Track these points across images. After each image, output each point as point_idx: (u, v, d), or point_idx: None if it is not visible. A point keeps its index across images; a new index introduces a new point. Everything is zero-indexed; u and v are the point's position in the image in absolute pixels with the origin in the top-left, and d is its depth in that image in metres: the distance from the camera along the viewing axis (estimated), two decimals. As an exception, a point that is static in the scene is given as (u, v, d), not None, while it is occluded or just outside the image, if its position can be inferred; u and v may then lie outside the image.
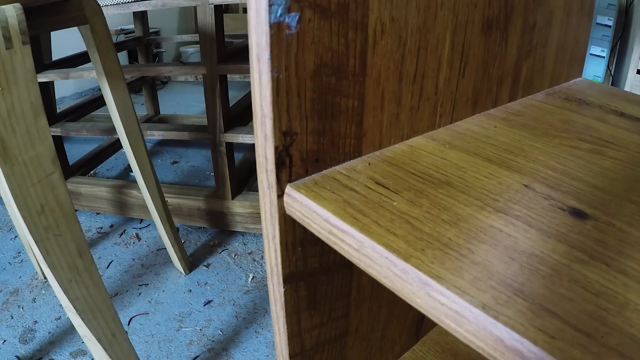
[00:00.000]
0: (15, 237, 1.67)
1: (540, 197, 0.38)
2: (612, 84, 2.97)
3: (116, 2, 1.43)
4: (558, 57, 0.89)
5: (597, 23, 2.76)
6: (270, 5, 0.31)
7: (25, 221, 0.83)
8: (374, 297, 0.55)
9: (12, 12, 0.79)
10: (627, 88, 2.70)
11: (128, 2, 1.41)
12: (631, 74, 2.66)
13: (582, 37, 1.06)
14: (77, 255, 0.94)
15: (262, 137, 0.35)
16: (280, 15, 0.31)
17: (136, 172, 1.25)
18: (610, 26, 2.73)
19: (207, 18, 1.26)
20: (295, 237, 0.40)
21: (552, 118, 0.65)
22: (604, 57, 2.78)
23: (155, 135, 1.53)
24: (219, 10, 1.27)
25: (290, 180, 0.37)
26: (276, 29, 0.31)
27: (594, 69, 2.81)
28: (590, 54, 2.82)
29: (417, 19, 0.43)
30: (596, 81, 2.57)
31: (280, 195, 0.37)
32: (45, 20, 1.01)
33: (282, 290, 0.42)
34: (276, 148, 0.35)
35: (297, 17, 0.32)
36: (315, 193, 0.36)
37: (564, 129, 0.60)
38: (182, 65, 1.40)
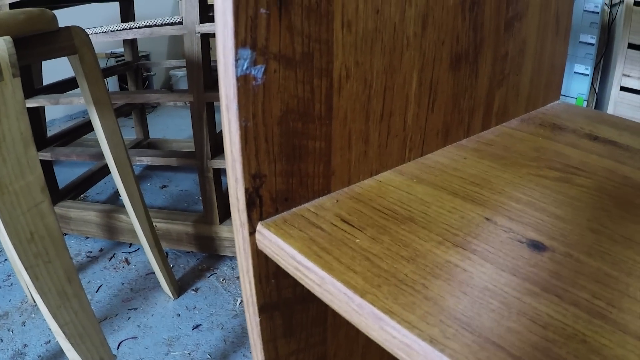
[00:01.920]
0: (5, 260, 1.68)
1: (500, 230, 0.40)
2: (596, 102, 3.01)
3: (105, 30, 1.46)
4: (533, 83, 0.91)
5: (580, 41, 2.80)
6: (236, 60, 0.33)
7: (15, 248, 0.84)
8: (350, 324, 0.57)
9: (2, 46, 0.81)
10: (611, 105, 2.73)
11: (117, 30, 1.43)
12: (615, 91, 2.70)
13: (559, 61, 1.08)
14: (66, 281, 0.95)
15: (233, 180, 0.37)
16: (247, 68, 0.34)
17: (124, 199, 1.26)
18: (593, 44, 2.77)
19: (193, 46, 1.28)
20: (269, 270, 0.42)
21: (524, 146, 0.67)
22: (587, 75, 2.82)
23: (143, 161, 1.54)
24: (206, 38, 1.30)
25: (261, 219, 0.39)
26: (243, 81, 0.34)
27: (578, 87, 2.85)
28: (574, 72, 2.85)
29: (382, 61, 0.45)
30: (580, 100, 2.61)
31: (252, 232, 0.39)
32: (35, 50, 1.03)
33: (258, 319, 0.44)
34: (246, 190, 0.37)
35: (263, 69, 0.35)
36: (283, 231, 0.38)
37: (533, 157, 0.62)
38: (169, 92, 1.42)
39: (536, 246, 0.38)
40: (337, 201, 0.43)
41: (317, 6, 0.38)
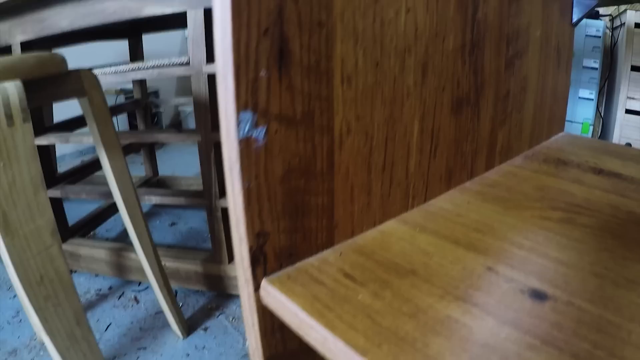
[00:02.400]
0: (14, 296, 1.68)
1: (502, 281, 0.40)
2: (602, 126, 3.01)
3: (114, 70, 1.48)
4: (536, 119, 0.92)
5: (583, 66, 2.81)
6: (238, 123, 0.34)
7: (25, 291, 0.85)
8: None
9: (13, 90, 0.82)
10: (617, 128, 2.73)
11: (126, 71, 1.46)
12: (620, 114, 2.71)
13: (561, 93, 1.09)
14: (75, 323, 0.95)
15: (237, 238, 0.38)
16: (248, 130, 0.34)
17: (133, 239, 1.27)
18: (596, 68, 2.78)
19: (201, 87, 1.30)
20: (274, 323, 0.42)
21: (527, 186, 0.67)
22: (592, 100, 2.82)
23: (152, 200, 1.56)
24: (213, 78, 1.31)
25: (265, 275, 0.40)
26: (245, 143, 0.34)
27: (584, 111, 2.85)
28: (579, 97, 2.86)
29: (383, 113, 0.46)
30: (586, 125, 2.61)
31: (257, 288, 0.40)
32: (44, 93, 1.05)
33: (264, 372, 0.44)
34: (250, 248, 0.37)
35: (264, 130, 0.35)
36: (287, 288, 0.38)
37: (537, 197, 0.62)
38: (177, 133, 1.44)
39: (538, 295, 0.38)
40: (340, 254, 0.43)
41: (316, 64, 0.38)
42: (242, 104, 0.34)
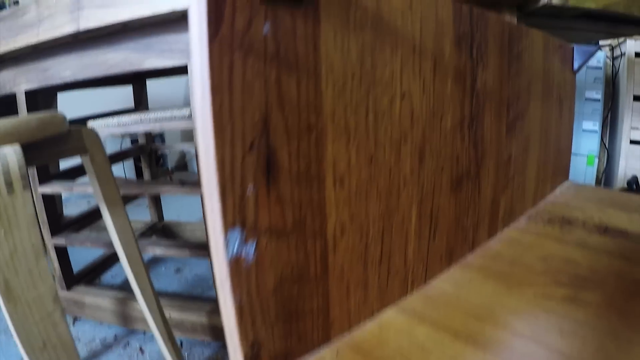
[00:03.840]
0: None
1: (502, 381, 0.39)
2: (607, 158, 2.99)
3: (117, 123, 1.49)
4: (540, 176, 0.91)
5: (586, 98, 2.80)
6: (227, 242, 0.33)
7: (28, 356, 0.85)
8: None
9: (12, 156, 0.83)
10: (622, 160, 2.71)
11: (129, 124, 1.46)
12: (625, 144, 2.69)
13: (565, 143, 1.08)
14: (79, 387, 0.95)
15: (232, 347, 0.37)
16: (237, 248, 0.34)
17: (136, 292, 1.26)
18: (599, 100, 2.77)
19: (202, 141, 1.30)
20: None
21: (531, 256, 0.65)
22: (596, 132, 2.81)
23: (157, 251, 1.55)
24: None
25: (261, 380, 0.39)
26: (234, 262, 0.34)
27: (588, 144, 2.84)
28: (583, 130, 2.85)
29: (378, 207, 0.45)
30: (591, 157, 2.59)
31: (252, 394, 0.39)
32: (46, 153, 1.05)
33: None
34: (245, 356, 0.37)
35: (254, 245, 0.35)
36: (283, 397, 0.37)
37: (541, 270, 0.61)
38: (181, 186, 1.44)
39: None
40: (337, 353, 0.42)
41: (307, 169, 0.38)
42: (230, 222, 0.33)
